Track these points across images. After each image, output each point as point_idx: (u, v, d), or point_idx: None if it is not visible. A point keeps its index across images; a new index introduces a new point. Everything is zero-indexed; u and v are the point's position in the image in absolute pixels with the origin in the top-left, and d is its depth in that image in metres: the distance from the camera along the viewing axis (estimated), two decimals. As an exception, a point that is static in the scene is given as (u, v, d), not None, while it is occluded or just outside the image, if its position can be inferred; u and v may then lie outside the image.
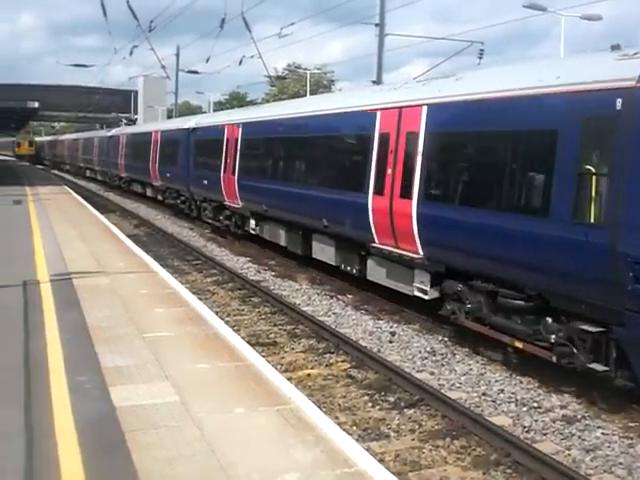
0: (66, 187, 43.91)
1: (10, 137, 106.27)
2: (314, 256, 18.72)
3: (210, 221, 28.16)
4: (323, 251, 18.11)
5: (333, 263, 17.59)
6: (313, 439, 6.43)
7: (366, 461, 6.01)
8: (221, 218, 26.69)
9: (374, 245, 14.82)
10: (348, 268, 16.81)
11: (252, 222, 23.39)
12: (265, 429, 6.67)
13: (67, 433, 6.47)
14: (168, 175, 33.96)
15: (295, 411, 7.13)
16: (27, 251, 16.94)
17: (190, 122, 31.53)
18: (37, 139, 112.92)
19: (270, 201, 21.07)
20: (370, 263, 15.58)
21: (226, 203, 25.17)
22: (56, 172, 79.33)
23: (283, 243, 20.86)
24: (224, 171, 24.89)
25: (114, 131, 53.49)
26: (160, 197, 37.09)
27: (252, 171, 23.14)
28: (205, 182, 27.50)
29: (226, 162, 24.80)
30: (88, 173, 65.81)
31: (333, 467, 5.87)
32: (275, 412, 7.09)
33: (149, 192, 40.00)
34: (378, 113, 14.93)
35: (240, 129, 24.15)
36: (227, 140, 25.10)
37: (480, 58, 22.77)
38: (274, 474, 5.72)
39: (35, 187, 40.72)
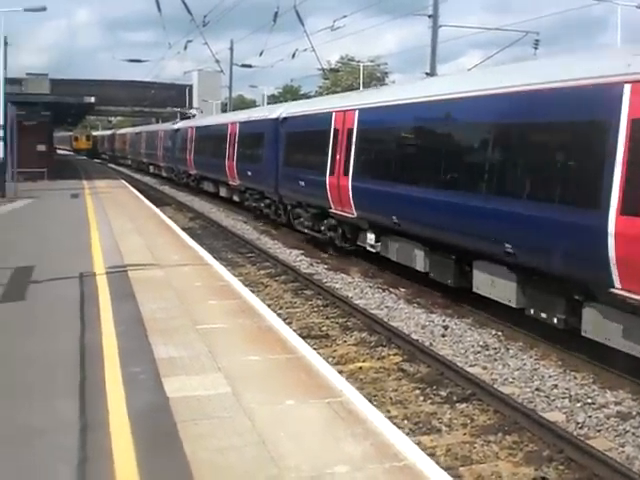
0: (123, 181, 44.56)
1: (68, 132, 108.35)
2: (477, 290, 13.86)
3: (306, 231, 23.25)
4: (494, 286, 13.22)
5: (513, 304, 12.71)
6: (363, 432, 6.43)
7: (415, 455, 6.00)
8: (322, 228, 21.73)
9: (615, 291, 9.81)
10: (543, 315, 11.85)
11: (371, 236, 18.58)
12: (315, 421, 6.69)
13: (120, 423, 6.58)
14: (249, 174, 29.40)
15: (345, 404, 7.13)
16: (84, 244, 17.26)
17: (278, 111, 26.82)
18: (94, 133, 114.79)
19: (406, 211, 16.02)
20: (592, 314, 10.72)
21: (332, 210, 20.25)
22: (113, 166, 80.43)
23: (421, 268, 16.03)
24: (331, 171, 19.95)
25: (181, 124, 49.30)
26: (237, 198, 32.97)
27: (377, 171, 18.00)
28: (301, 183, 22.47)
29: (334, 159, 19.91)
30: (152, 169, 61.49)
31: (382, 460, 5.86)
32: (325, 405, 7.11)
33: (223, 192, 35.97)
34: (625, 88, 9.74)
35: (356, 117, 19.05)
36: (335, 131, 20.17)
37: (535, 49, 22.41)
38: (324, 466, 5.74)
39: (92, 181, 41.47)
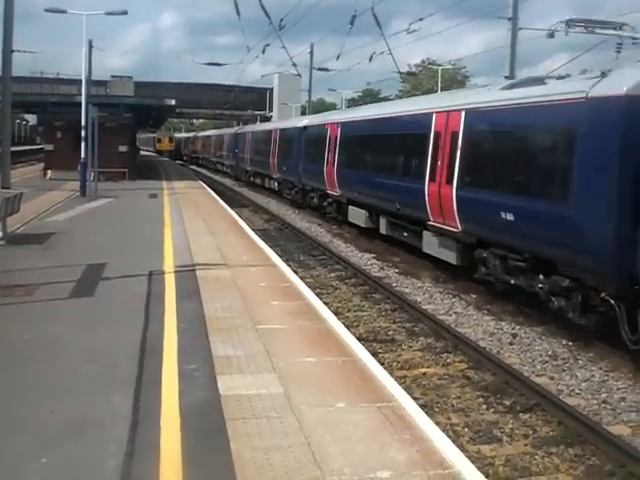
0: (201, 182, 45.15)
1: (152, 133, 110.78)
2: None
3: None
4: None
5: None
6: (410, 438, 6.30)
7: (461, 463, 5.85)
8: None
9: None
10: None
11: None
12: (364, 425, 6.59)
13: (171, 418, 6.63)
14: None
15: (396, 409, 7.01)
16: (156, 243, 17.51)
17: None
18: (177, 135, 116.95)
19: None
20: None
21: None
22: (194, 167, 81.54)
23: None
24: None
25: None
26: None
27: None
28: None
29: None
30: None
31: (426, 468, 5.73)
32: (376, 409, 7.00)
33: None
34: None
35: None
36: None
37: (618, 52, 21.54)
38: (366, 471, 5.65)
39: (171, 182, 42.09)
